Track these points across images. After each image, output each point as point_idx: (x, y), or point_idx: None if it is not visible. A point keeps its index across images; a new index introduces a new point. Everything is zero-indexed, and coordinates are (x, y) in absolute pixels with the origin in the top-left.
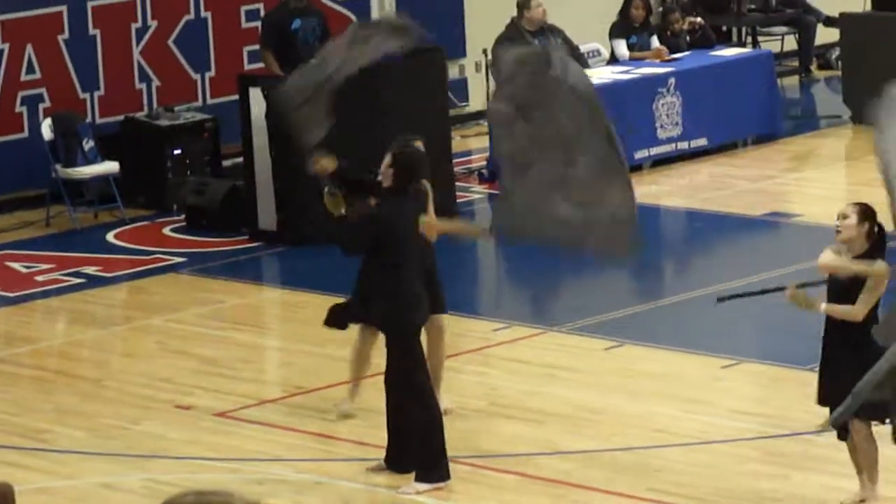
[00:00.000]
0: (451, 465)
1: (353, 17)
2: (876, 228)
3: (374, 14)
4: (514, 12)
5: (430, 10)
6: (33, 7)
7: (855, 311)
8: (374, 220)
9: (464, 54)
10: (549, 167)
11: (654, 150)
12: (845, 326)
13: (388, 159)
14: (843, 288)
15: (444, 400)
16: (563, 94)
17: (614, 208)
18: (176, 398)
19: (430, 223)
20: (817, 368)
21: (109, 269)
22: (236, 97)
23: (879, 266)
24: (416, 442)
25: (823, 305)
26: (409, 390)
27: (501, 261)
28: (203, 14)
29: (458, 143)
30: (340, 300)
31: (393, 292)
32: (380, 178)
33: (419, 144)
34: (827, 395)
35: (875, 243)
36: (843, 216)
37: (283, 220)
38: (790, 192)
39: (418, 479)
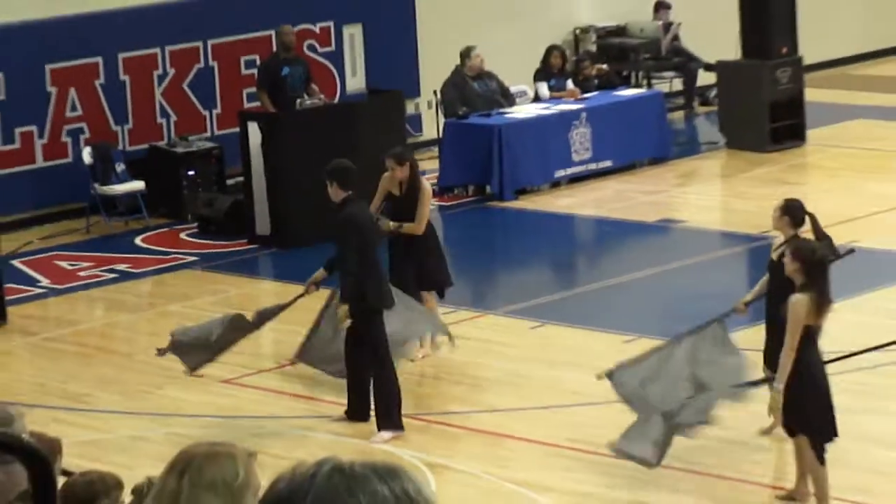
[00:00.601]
0: (408, 421)
1: (331, 66)
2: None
3: (347, 63)
4: (458, 61)
5: (391, 60)
6: (75, 58)
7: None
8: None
9: (418, 94)
10: None
11: (570, 170)
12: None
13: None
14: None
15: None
16: None
17: None
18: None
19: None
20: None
21: (137, 266)
22: (237, 129)
23: None
24: (378, 399)
25: None
26: (374, 353)
27: (450, 259)
28: (211, 63)
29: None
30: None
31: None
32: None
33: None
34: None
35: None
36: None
37: (275, 228)
38: (677, 203)
39: (382, 429)
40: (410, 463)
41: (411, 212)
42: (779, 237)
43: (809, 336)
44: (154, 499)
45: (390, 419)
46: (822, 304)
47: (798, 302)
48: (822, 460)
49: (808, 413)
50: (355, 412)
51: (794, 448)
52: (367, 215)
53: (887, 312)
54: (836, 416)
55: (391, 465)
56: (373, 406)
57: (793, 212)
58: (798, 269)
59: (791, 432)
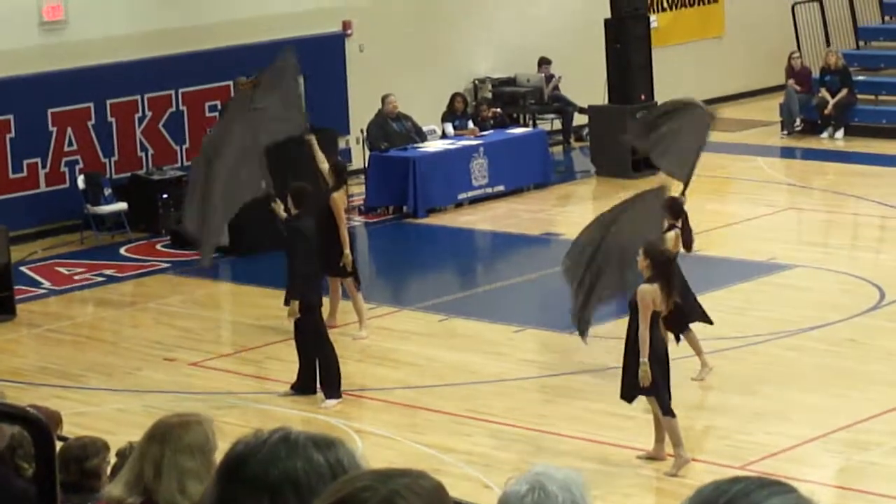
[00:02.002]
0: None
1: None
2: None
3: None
4: (380, 105)
5: (326, 104)
6: (72, 104)
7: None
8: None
9: (348, 132)
10: None
11: (471, 193)
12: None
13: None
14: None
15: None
16: None
17: None
18: (165, 354)
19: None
20: (576, 333)
21: (121, 272)
22: None
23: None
24: (324, 372)
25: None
26: (317, 338)
27: (373, 266)
28: (181, 108)
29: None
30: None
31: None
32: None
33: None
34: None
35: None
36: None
37: (232, 239)
38: (557, 220)
39: (328, 397)
40: (344, 431)
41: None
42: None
43: (653, 320)
44: (136, 461)
45: (334, 389)
46: (667, 294)
47: (644, 290)
48: (670, 413)
49: (654, 379)
50: (303, 387)
51: (652, 417)
52: (312, 229)
53: (727, 308)
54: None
55: (330, 438)
56: (318, 380)
57: (674, 207)
58: (648, 265)
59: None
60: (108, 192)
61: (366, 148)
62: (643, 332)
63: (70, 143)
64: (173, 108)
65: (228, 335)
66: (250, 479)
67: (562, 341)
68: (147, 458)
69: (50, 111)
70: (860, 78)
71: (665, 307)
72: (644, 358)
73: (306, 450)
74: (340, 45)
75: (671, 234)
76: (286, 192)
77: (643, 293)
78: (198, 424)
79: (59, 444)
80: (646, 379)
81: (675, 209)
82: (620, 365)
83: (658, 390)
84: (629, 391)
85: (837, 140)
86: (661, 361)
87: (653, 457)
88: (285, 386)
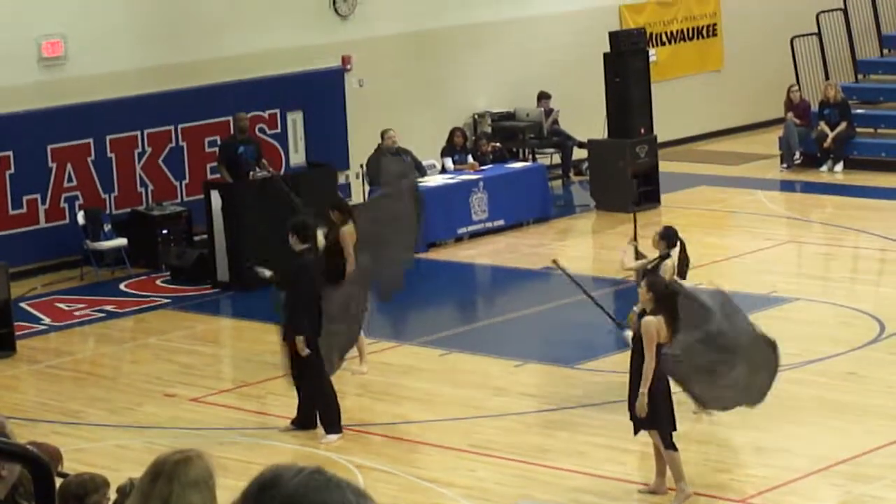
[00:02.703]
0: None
1: (277, 145)
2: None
3: (291, 142)
4: (379, 139)
5: (326, 140)
6: (71, 140)
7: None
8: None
9: (348, 167)
10: None
11: (471, 228)
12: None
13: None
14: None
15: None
16: None
17: None
18: (165, 389)
19: None
20: (579, 367)
21: (121, 307)
22: (202, 196)
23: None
24: (324, 409)
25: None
26: (317, 377)
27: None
28: (181, 143)
29: (352, 225)
30: (271, 326)
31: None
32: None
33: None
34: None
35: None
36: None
37: (233, 275)
38: (557, 254)
39: (328, 433)
40: (345, 467)
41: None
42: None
43: (659, 351)
44: (140, 500)
45: (334, 425)
46: (670, 326)
47: (649, 322)
48: (672, 446)
49: (657, 412)
50: (303, 422)
51: (654, 450)
52: (316, 266)
53: None
54: (675, 415)
55: (361, 488)
56: (318, 416)
57: (668, 235)
58: (651, 299)
59: (636, 430)
60: (107, 227)
61: (365, 183)
62: (649, 364)
63: (70, 179)
64: (173, 144)
65: (229, 370)
66: (286, 499)
67: (562, 375)
68: (153, 496)
69: (49, 147)
70: (859, 111)
71: (669, 339)
72: (644, 389)
73: (340, 489)
74: (340, 79)
75: (668, 263)
76: (292, 224)
77: (647, 325)
78: (199, 458)
79: (59, 481)
80: (642, 410)
81: (670, 237)
82: (625, 398)
83: (661, 423)
84: (635, 424)
85: (837, 173)
86: (664, 394)
87: (654, 491)
88: (286, 421)
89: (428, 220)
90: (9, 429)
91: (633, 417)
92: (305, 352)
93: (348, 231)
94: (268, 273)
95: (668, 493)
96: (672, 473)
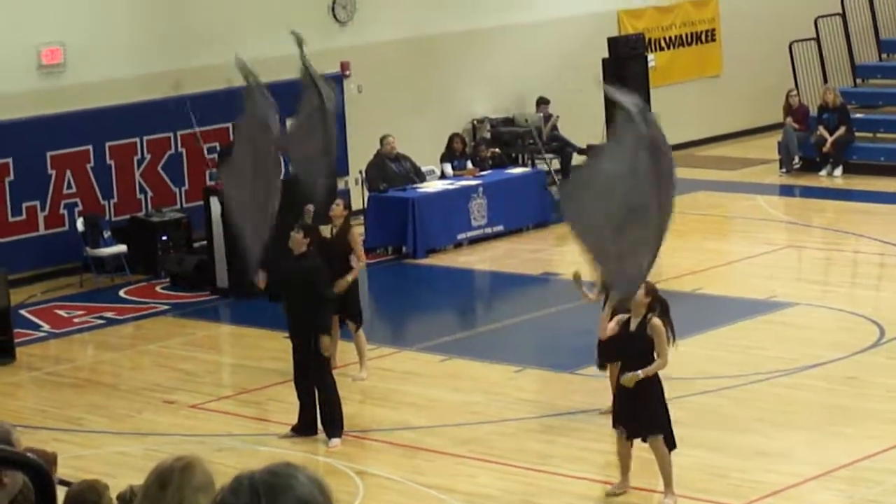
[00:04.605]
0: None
1: None
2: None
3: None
4: (378, 145)
5: None
6: (71, 146)
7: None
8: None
9: (347, 173)
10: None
11: (470, 234)
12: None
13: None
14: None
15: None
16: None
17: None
18: (165, 396)
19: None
20: (578, 372)
21: (121, 314)
22: (202, 202)
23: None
24: (328, 413)
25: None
26: (323, 380)
27: (373, 307)
28: (180, 150)
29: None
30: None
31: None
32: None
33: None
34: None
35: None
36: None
37: (232, 281)
38: (556, 260)
39: (332, 437)
40: (345, 473)
41: (341, 252)
42: None
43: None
44: None
45: (337, 429)
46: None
47: (660, 324)
48: (674, 446)
49: (662, 417)
50: (304, 428)
51: (617, 448)
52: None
53: (726, 347)
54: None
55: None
56: (320, 420)
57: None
58: (651, 302)
59: (634, 436)
60: (107, 234)
61: (364, 189)
62: (662, 364)
63: (69, 186)
64: (172, 151)
65: (228, 377)
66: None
67: (562, 381)
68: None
69: (49, 154)
70: (858, 115)
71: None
72: (640, 371)
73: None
74: (339, 86)
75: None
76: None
77: (659, 328)
78: (199, 463)
79: (59, 489)
80: (633, 380)
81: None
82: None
83: (665, 426)
84: (639, 431)
85: (836, 178)
86: (663, 398)
87: (621, 491)
88: (286, 428)
89: (427, 226)
90: (15, 436)
91: (637, 424)
92: (328, 351)
93: (357, 230)
94: (262, 283)
95: (630, 491)
96: (664, 477)
